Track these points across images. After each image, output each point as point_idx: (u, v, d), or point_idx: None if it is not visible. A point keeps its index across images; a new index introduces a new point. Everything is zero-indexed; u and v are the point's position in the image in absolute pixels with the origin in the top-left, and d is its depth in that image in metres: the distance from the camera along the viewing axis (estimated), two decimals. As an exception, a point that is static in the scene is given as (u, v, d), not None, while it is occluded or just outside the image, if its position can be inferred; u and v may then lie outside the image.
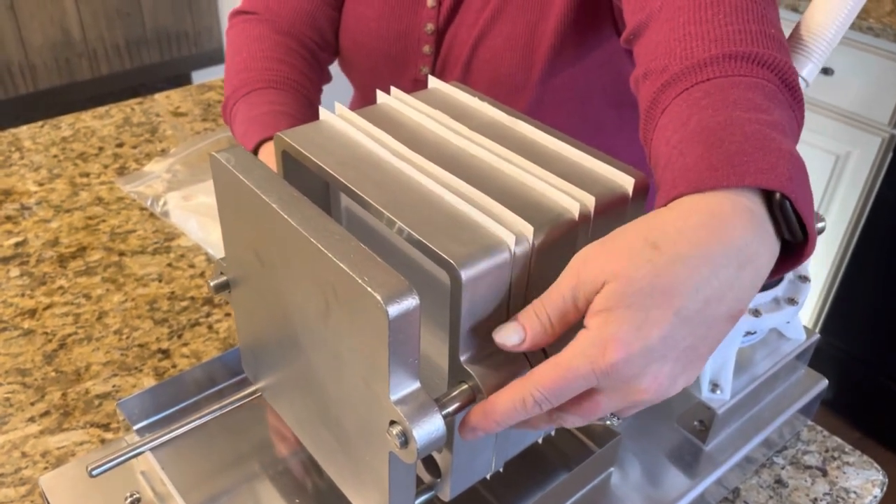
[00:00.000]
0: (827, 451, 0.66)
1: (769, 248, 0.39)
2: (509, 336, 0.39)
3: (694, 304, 0.36)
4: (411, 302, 0.36)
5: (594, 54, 0.76)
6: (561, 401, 0.38)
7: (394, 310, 0.35)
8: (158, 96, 1.26)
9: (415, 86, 0.82)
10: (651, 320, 0.36)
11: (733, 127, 0.41)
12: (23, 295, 0.82)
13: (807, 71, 0.52)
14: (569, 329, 0.40)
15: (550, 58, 0.74)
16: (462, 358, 0.41)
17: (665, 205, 0.40)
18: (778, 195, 0.38)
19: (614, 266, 0.37)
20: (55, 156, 1.08)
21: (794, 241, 0.40)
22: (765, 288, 0.59)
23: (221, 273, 0.53)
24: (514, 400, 0.39)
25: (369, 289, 0.36)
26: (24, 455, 0.64)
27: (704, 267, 0.36)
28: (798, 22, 0.53)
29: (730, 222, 0.37)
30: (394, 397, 0.38)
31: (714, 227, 0.37)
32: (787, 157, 0.39)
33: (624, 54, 0.77)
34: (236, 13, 0.87)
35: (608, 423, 0.41)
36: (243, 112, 0.76)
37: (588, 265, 0.38)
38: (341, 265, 0.37)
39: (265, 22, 0.84)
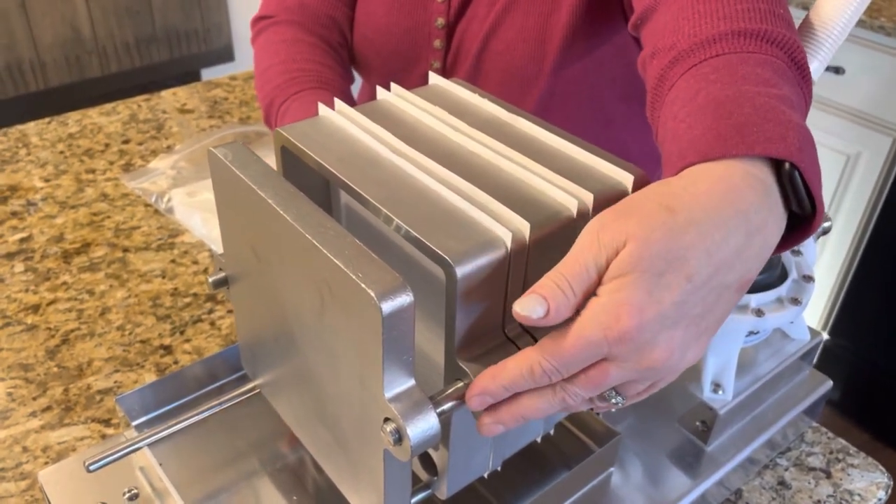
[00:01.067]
0: (831, 452, 0.66)
1: (777, 219, 0.39)
2: (533, 309, 0.37)
3: (706, 270, 0.36)
4: (405, 299, 0.36)
5: (605, 46, 0.76)
6: (571, 371, 0.37)
7: (388, 306, 0.35)
8: (165, 93, 1.26)
9: (425, 81, 0.83)
10: (664, 285, 0.36)
11: (742, 100, 0.41)
12: (27, 290, 0.82)
13: (812, 69, 0.51)
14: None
15: (562, 49, 0.74)
16: (458, 355, 0.41)
17: (675, 174, 0.40)
18: (787, 165, 0.38)
19: (632, 228, 0.36)
20: (61, 152, 1.08)
21: (802, 214, 0.40)
22: (768, 287, 0.58)
23: (220, 269, 0.53)
24: (521, 367, 0.38)
25: (363, 285, 0.36)
26: (25, 450, 0.64)
27: (716, 232, 0.36)
28: (802, 21, 0.52)
29: (739, 189, 0.38)
30: (388, 394, 0.38)
31: (724, 193, 0.37)
32: (796, 128, 0.39)
33: (634, 46, 0.77)
34: (259, 19, 0.88)
35: (612, 401, 0.40)
36: (298, 109, 0.76)
37: (606, 230, 0.37)
38: (336, 261, 0.37)
39: (293, 24, 0.84)
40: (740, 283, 0.38)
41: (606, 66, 0.77)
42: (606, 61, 0.77)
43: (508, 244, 0.39)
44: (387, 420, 0.38)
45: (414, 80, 0.84)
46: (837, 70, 1.66)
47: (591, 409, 0.43)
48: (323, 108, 0.51)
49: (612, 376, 0.37)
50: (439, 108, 0.50)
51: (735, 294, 0.38)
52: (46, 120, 1.16)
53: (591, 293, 0.38)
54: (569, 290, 0.37)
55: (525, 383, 0.38)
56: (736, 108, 0.40)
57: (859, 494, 0.62)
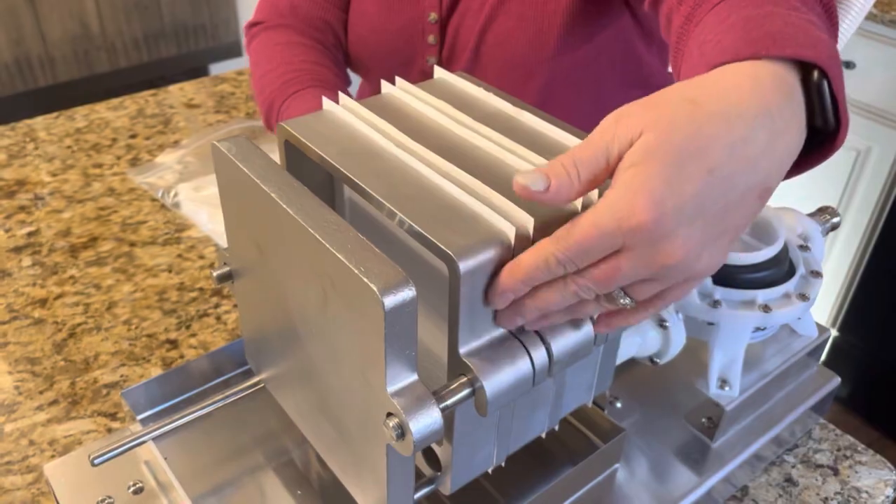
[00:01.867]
0: (839, 449, 0.65)
1: (799, 129, 0.39)
2: (534, 181, 0.36)
3: (728, 166, 0.35)
4: (408, 293, 0.35)
5: (604, 33, 0.75)
6: (585, 262, 0.37)
7: (390, 301, 0.35)
8: (172, 88, 1.26)
9: (422, 77, 0.83)
10: (684, 176, 0.35)
11: (773, 17, 0.41)
12: (34, 284, 0.83)
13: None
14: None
15: (561, 36, 0.74)
16: (461, 350, 0.41)
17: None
18: (816, 74, 0.38)
19: (651, 119, 0.36)
20: (69, 147, 1.09)
21: (825, 130, 0.40)
22: (775, 283, 0.58)
23: (224, 263, 0.53)
24: (537, 259, 0.37)
25: (365, 279, 0.35)
26: (31, 443, 0.64)
27: (741, 127, 0.36)
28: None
29: (767, 88, 0.37)
30: (391, 389, 0.38)
31: (752, 89, 0.37)
32: (827, 42, 0.39)
33: (634, 32, 0.76)
34: (251, 24, 0.88)
35: (621, 301, 0.39)
36: (298, 108, 0.76)
37: (624, 120, 0.37)
38: (338, 255, 0.37)
39: (287, 28, 0.84)
40: (761, 189, 0.37)
41: (607, 53, 0.77)
42: (606, 49, 0.76)
43: (512, 239, 0.39)
44: (389, 415, 0.38)
45: (412, 78, 0.84)
46: (848, 64, 1.64)
47: (599, 324, 0.43)
48: (327, 103, 0.50)
49: (624, 271, 0.36)
50: (444, 102, 0.50)
51: (756, 201, 0.38)
52: (54, 115, 1.17)
53: (598, 180, 0.37)
54: (574, 173, 0.36)
55: (541, 275, 0.38)
56: (766, 22, 0.40)
57: (867, 492, 0.61)
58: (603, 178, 0.37)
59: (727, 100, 0.37)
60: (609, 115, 0.37)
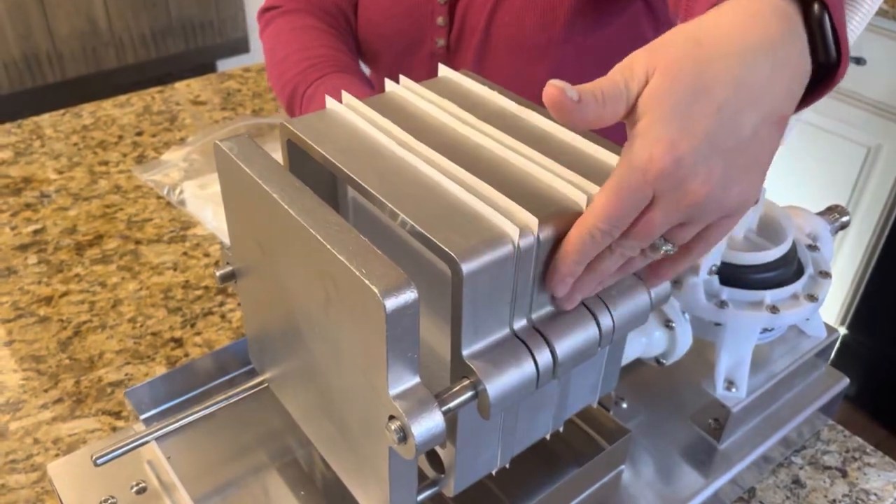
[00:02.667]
0: (847, 451, 0.64)
1: (803, 56, 0.39)
2: (569, 88, 0.36)
3: (734, 102, 0.36)
4: (409, 296, 0.35)
5: (615, 19, 0.75)
6: (625, 224, 0.38)
7: (391, 303, 0.35)
8: (179, 85, 1.26)
9: (431, 60, 0.83)
10: (694, 115, 0.36)
11: None
12: (39, 282, 0.83)
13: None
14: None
15: (570, 16, 0.74)
16: (464, 352, 0.40)
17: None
18: (817, 7, 0.39)
19: (661, 60, 0.37)
20: (75, 144, 1.09)
21: (827, 64, 0.41)
22: (783, 283, 0.57)
23: (228, 262, 0.53)
24: (582, 237, 0.38)
25: (367, 281, 0.35)
26: (36, 441, 0.64)
27: (743, 63, 0.37)
28: None
29: (767, 20, 0.38)
30: (392, 392, 0.37)
31: (752, 23, 0.38)
32: None
33: (645, 19, 0.76)
34: (265, 10, 0.88)
35: (662, 249, 0.40)
36: (325, 94, 0.76)
37: (637, 61, 0.37)
38: (340, 257, 0.37)
39: (301, 12, 0.84)
40: (776, 118, 0.38)
41: (617, 41, 0.76)
42: (617, 36, 0.76)
43: (516, 240, 0.39)
44: (391, 418, 0.38)
45: (421, 61, 0.84)
46: (858, 61, 1.63)
47: (650, 276, 0.44)
48: (330, 101, 0.50)
49: (658, 221, 0.38)
50: (448, 101, 0.49)
51: (773, 130, 0.38)
52: (60, 112, 1.17)
53: (617, 110, 0.37)
54: (600, 97, 0.37)
55: (591, 251, 0.39)
56: None
57: (875, 494, 0.61)
58: (621, 114, 0.38)
59: (728, 36, 0.37)
60: (622, 62, 0.38)
